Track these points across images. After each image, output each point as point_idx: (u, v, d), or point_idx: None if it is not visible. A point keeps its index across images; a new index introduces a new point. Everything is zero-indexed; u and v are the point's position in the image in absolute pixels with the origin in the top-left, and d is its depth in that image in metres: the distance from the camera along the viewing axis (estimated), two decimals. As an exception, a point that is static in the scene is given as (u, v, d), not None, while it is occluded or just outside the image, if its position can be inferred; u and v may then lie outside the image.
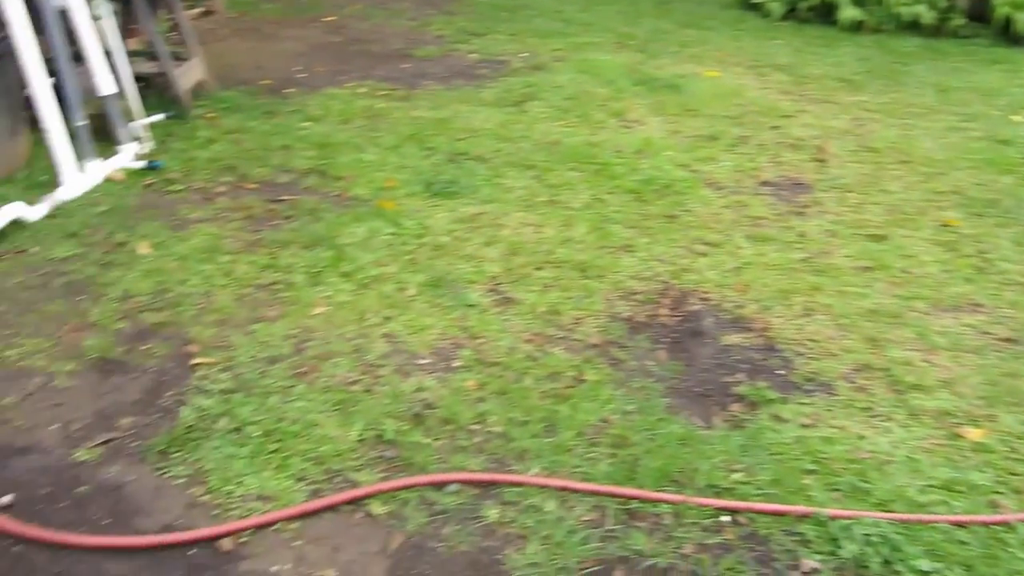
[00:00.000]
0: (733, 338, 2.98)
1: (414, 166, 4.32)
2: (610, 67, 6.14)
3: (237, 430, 2.43)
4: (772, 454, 2.40)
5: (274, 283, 3.20)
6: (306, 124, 4.90)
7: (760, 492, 2.26)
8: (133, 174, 4.11)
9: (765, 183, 4.28)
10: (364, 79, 5.94)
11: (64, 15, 3.93)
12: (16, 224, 3.50)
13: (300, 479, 2.28)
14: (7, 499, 2.18)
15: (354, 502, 2.20)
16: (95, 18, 4.12)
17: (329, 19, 7.99)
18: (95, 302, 3.05)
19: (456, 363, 2.79)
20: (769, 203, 4.04)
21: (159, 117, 4.53)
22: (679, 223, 3.80)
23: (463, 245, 3.52)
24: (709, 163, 4.48)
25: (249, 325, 2.93)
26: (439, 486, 2.27)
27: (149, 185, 4.04)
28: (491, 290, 3.21)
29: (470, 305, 3.10)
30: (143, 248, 3.42)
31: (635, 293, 3.24)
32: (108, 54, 4.22)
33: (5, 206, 3.45)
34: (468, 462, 2.36)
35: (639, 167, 4.35)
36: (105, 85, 4.12)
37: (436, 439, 2.45)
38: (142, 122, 4.36)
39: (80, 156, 3.92)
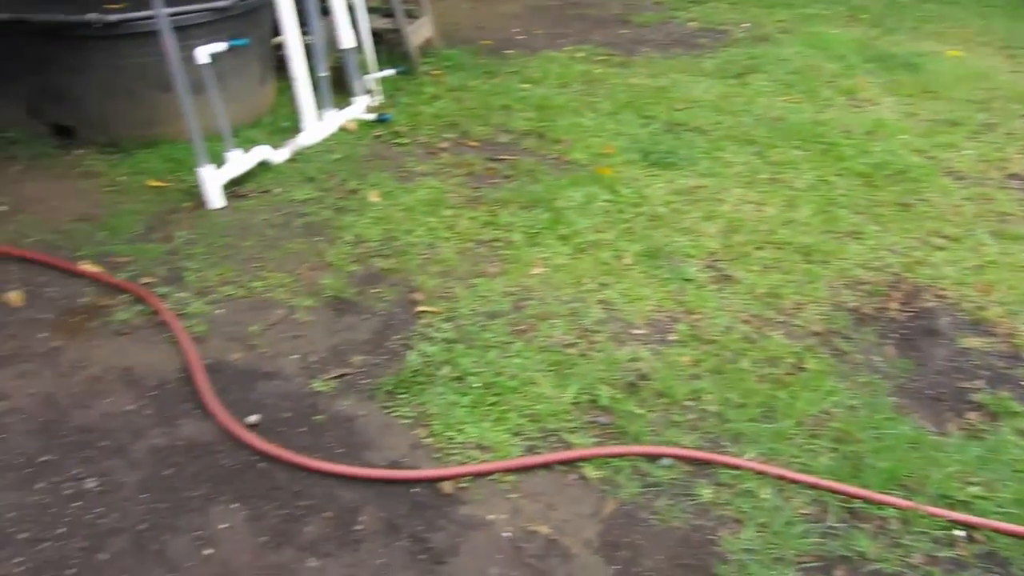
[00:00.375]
0: (972, 341, 2.76)
1: (632, 134, 4.28)
2: (840, 41, 5.80)
3: (459, 379, 2.52)
4: (1016, 471, 2.22)
5: (494, 240, 3.28)
6: (525, 86, 4.96)
7: (1000, 510, 2.10)
8: (364, 125, 4.32)
9: (1014, 176, 3.92)
10: (582, 43, 5.93)
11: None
12: (262, 165, 3.76)
13: (516, 434, 2.34)
14: (255, 418, 2.37)
15: (569, 463, 2.24)
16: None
17: (547, -19, 8.02)
18: (331, 244, 3.25)
19: (671, 337, 2.76)
20: (1018, 198, 3.70)
21: (390, 72, 4.72)
22: (913, 212, 3.55)
23: (681, 218, 3.46)
24: (949, 150, 4.16)
25: (470, 279, 3.03)
26: (653, 458, 2.26)
27: (378, 137, 4.24)
28: (709, 266, 3.14)
29: (687, 279, 3.04)
30: (373, 196, 3.59)
31: (862, 283, 3.07)
32: (350, 9, 4.42)
33: (255, 148, 3.72)
34: (681, 438, 2.33)
35: (870, 150, 4.10)
36: (346, 39, 4.34)
37: (650, 411, 2.44)
38: (375, 76, 4.56)
39: (319, 105, 4.16)
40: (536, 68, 5.27)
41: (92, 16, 3.52)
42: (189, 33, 3.57)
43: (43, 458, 2.24)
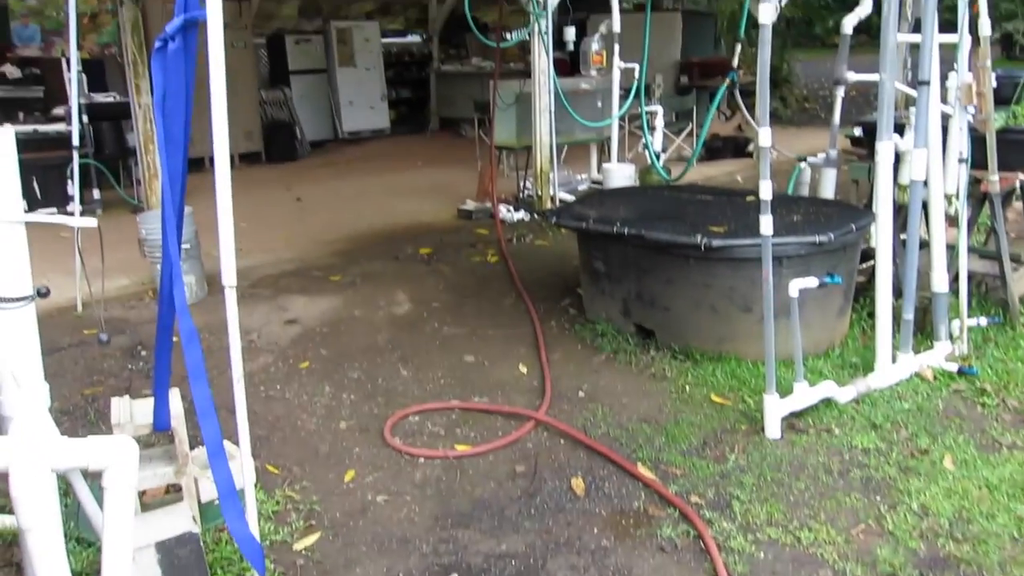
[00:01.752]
0: None
1: None
2: None
3: None
4: None
5: (1105, 557, 2.65)
6: None
7: None
8: (943, 375, 3.94)
9: None
10: None
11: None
12: (825, 401, 3.62)
13: None
14: None
15: None
16: (948, 213, 4.11)
17: None
18: (891, 508, 2.94)
19: None
20: None
21: (982, 321, 4.29)
22: None
23: None
24: None
25: (1068, 602, 2.46)
26: None
27: (957, 391, 3.82)
28: None
29: None
30: (947, 462, 3.20)
31: None
32: (949, 248, 4.15)
33: (821, 383, 3.60)
34: None
35: None
36: (940, 282, 4.06)
37: None
38: (964, 323, 4.17)
39: (896, 346, 3.91)
40: None
41: (701, 239, 3.82)
42: (780, 262, 3.66)
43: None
